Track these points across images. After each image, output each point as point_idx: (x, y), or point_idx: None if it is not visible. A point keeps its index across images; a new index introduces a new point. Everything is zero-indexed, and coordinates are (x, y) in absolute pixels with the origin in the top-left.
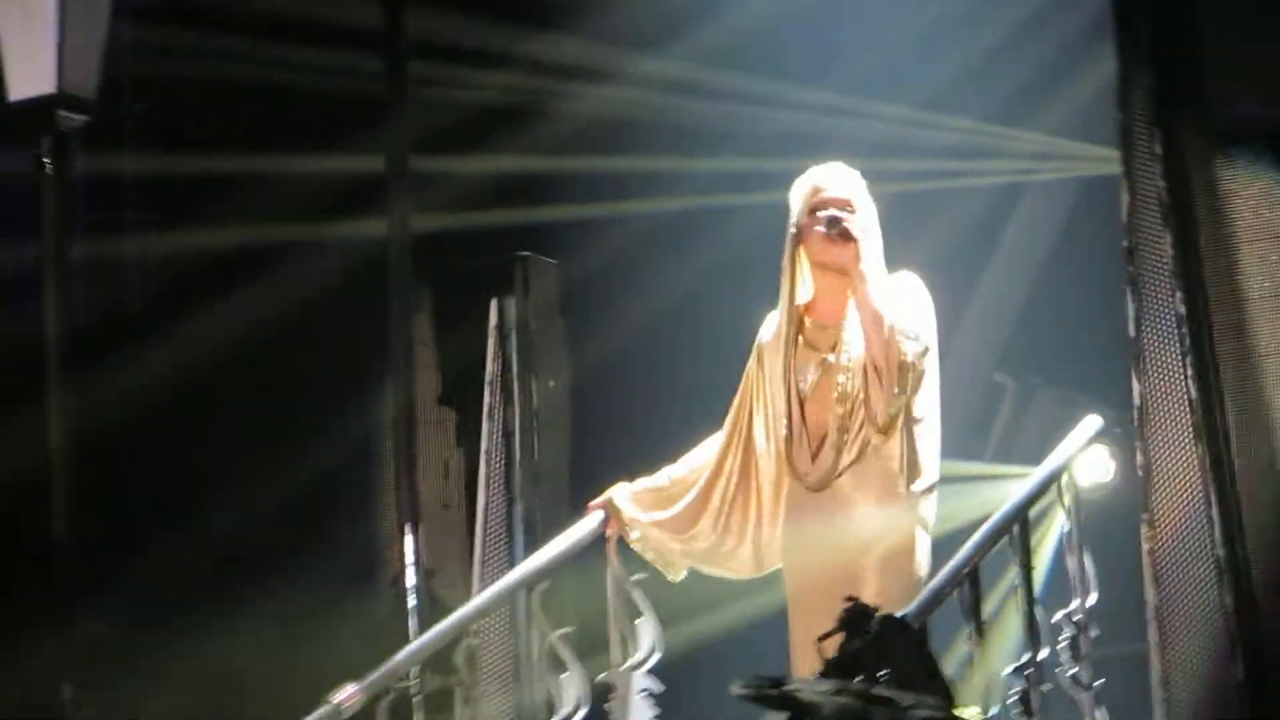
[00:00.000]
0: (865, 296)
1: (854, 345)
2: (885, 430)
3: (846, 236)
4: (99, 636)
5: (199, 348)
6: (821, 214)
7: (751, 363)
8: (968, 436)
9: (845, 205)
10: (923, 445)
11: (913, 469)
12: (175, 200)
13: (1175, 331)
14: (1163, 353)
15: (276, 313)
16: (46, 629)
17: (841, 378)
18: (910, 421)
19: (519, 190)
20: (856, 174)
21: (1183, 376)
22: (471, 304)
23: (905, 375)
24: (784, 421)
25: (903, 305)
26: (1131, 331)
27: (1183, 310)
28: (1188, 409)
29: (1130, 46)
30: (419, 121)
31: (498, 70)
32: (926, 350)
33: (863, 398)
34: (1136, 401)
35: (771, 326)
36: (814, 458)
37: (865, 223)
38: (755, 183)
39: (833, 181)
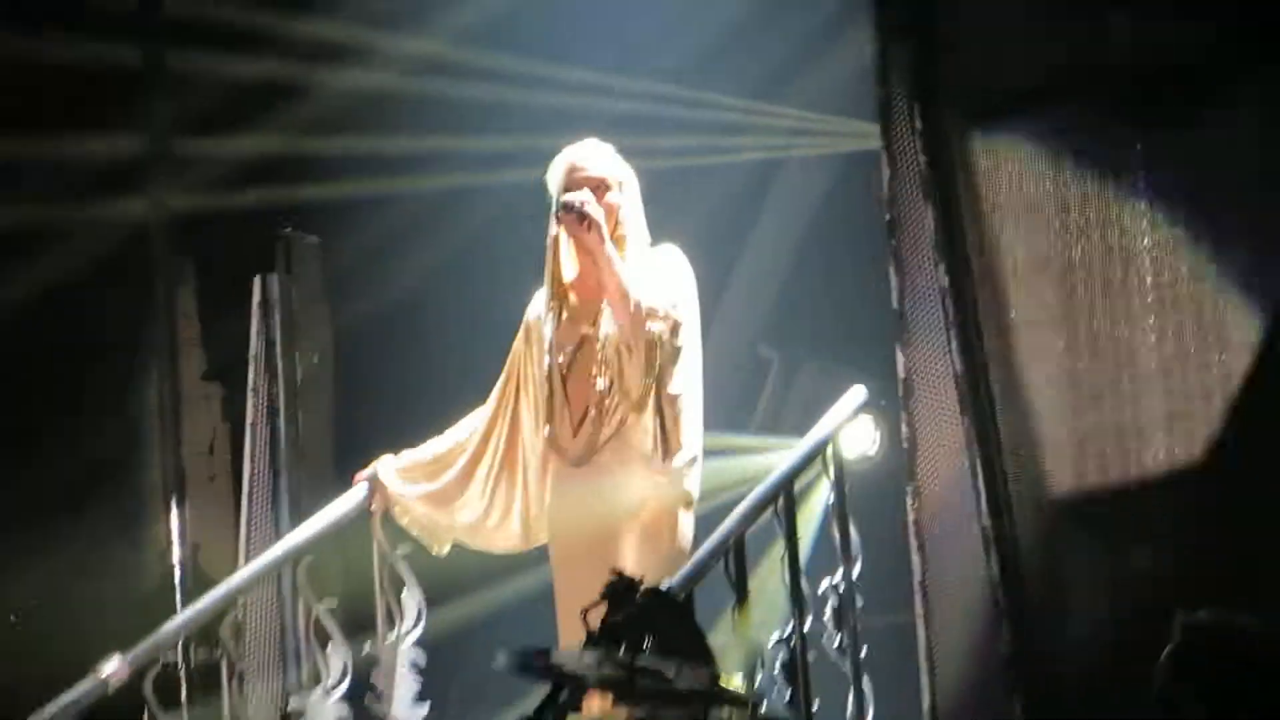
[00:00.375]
0: (609, 276)
1: (611, 320)
2: (637, 407)
3: (582, 218)
4: None
5: None
6: (566, 196)
7: (519, 339)
8: (733, 409)
9: (599, 184)
10: (682, 420)
11: (668, 445)
12: None
13: (939, 304)
14: (926, 325)
15: (39, 289)
16: None
17: (599, 352)
18: (664, 399)
19: (282, 168)
20: (610, 150)
21: (947, 349)
22: (237, 280)
23: (653, 353)
24: (545, 397)
25: (657, 281)
26: (895, 304)
27: (945, 283)
28: (952, 381)
29: (888, 20)
30: (177, 101)
31: (257, 50)
32: (678, 326)
33: (618, 372)
34: (901, 374)
35: (538, 304)
36: (575, 433)
37: (618, 199)
38: (516, 160)
39: (586, 160)
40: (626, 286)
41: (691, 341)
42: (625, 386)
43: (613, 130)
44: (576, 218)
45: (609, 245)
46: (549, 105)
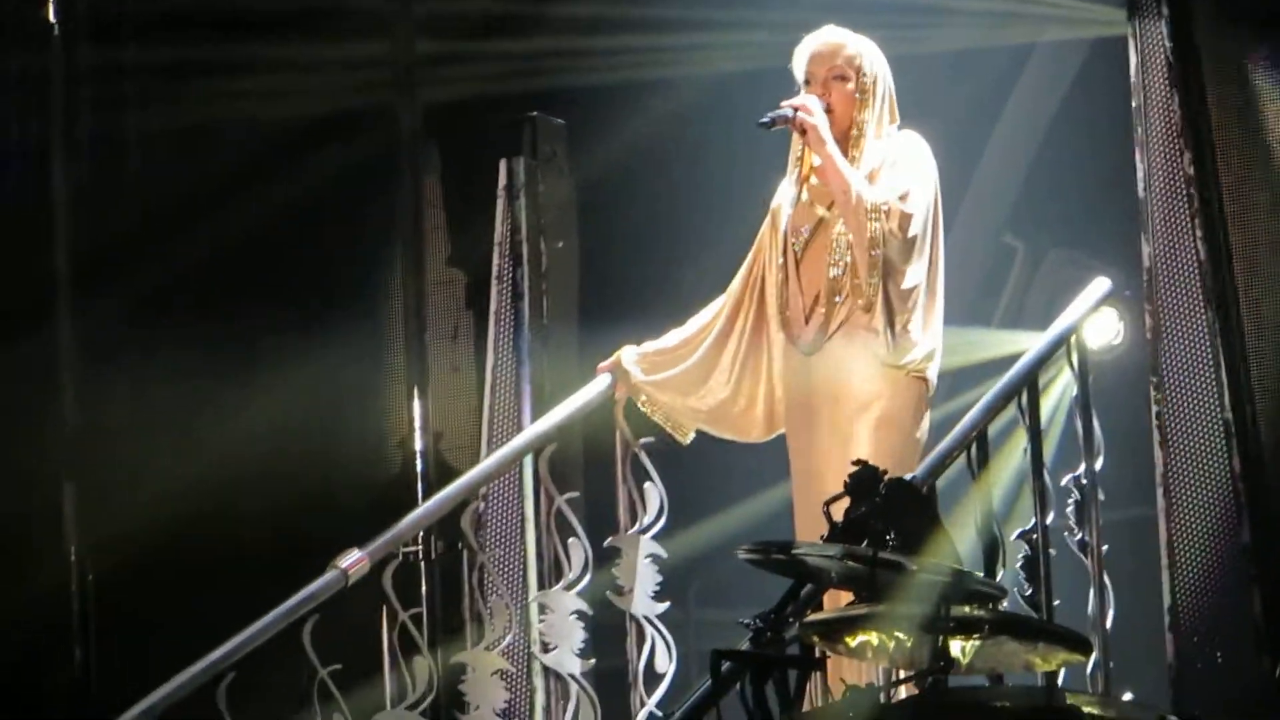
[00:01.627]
0: (832, 174)
1: None
2: (866, 306)
3: (799, 129)
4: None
5: (202, 209)
6: (783, 104)
7: (766, 225)
8: (978, 298)
9: (837, 73)
10: (917, 313)
11: (900, 342)
12: (177, 66)
13: (1184, 192)
14: (1172, 214)
15: (282, 174)
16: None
17: (836, 236)
18: (895, 294)
19: (530, 50)
20: (849, 36)
21: (1192, 238)
22: (483, 166)
23: (876, 251)
24: (780, 281)
25: (891, 173)
26: (1140, 193)
27: (1191, 171)
28: (1196, 271)
29: None
30: None
31: None
32: (908, 219)
33: (850, 264)
34: (1145, 264)
35: (784, 189)
36: (806, 319)
37: (854, 88)
38: (767, 45)
39: (823, 49)
40: (849, 183)
41: (928, 233)
42: (855, 281)
43: (858, 13)
44: (795, 127)
45: (830, 145)
46: None
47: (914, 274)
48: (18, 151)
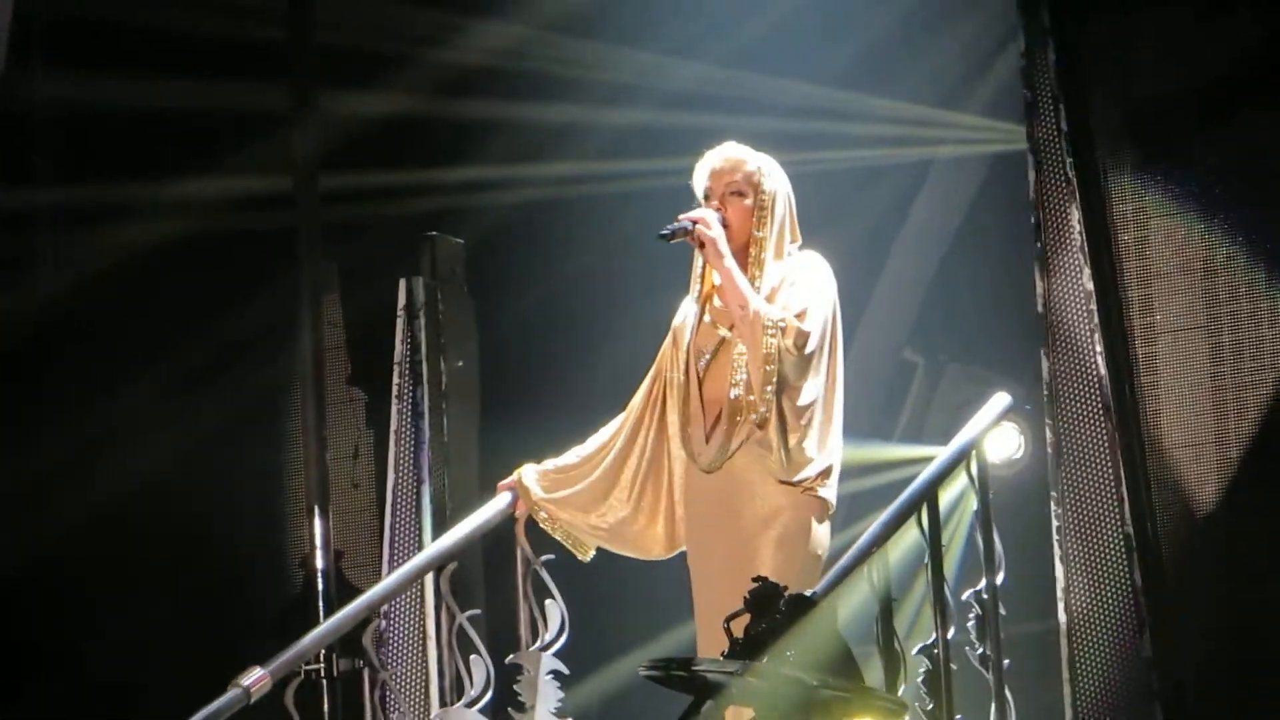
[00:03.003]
0: (728, 289)
1: None
2: (761, 422)
3: (697, 243)
4: None
5: (104, 330)
6: (681, 217)
7: (667, 342)
8: (878, 414)
9: (736, 190)
10: (813, 431)
11: (794, 458)
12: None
13: (1084, 308)
14: (1072, 329)
15: (186, 293)
16: None
17: (737, 356)
18: (790, 411)
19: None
20: (749, 153)
21: (1092, 353)
22: (381, 285)
23: (771, 367)
24: (681, 400)
25: (792, 290)
26: (1040, 308)
27: (1091, 287)
28: (1097, 386)
29: (1034, 23)
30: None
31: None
32: (805, 337)
33: (748, 383)
34: (1046, 378)
35: (685, 308)
36: (707, 439)
37: (754, 205)
38: (664, 169)
39: (724, 165)
40: (746, 298)
41: (825, 350)
42: (751, 399)
43: (761, 132)
44: (693, 240)
45: (728, 259)
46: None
47: (810, 390)
48: None
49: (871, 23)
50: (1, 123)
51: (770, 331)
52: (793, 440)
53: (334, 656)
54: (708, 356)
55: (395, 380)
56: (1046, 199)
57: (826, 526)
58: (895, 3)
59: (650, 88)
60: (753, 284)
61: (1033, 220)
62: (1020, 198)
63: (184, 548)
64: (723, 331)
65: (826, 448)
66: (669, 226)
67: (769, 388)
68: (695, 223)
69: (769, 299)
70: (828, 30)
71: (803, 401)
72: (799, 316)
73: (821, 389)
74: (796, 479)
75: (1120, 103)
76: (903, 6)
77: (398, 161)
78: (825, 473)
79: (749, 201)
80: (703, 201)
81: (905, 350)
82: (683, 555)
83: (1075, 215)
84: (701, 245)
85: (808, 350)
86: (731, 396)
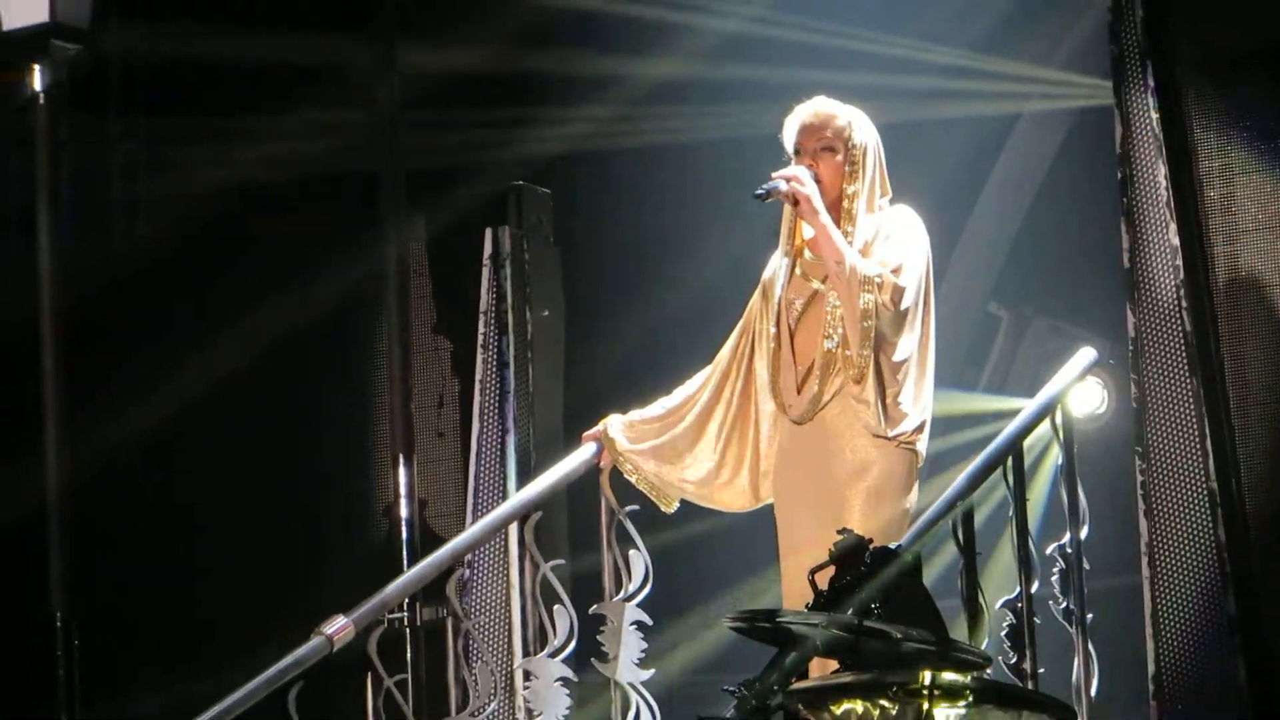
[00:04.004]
0: (824, 246)
1: None
2: (858, 377)
3: (791, 201)
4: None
5: (191, 280)
6: (774, 176)
7: (756, 296)
8: (962, 367)
9: (827, 145)
10: (907, 385)
11: (891, 414)
12: (162, 136)
13: (1170, 263)
14: (1157, 284)
15: (273, 243)
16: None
17: (830, 309)
18: (887, 366)
19: (517, 118)
20: (840, 107)
21: (1177, 308)
22: (469, 234)
23: (869, 323)
24: (772, 352)
25: (885, 245)
26: (1126, 263)
27: (1177, 242)
28: (1182, 341)
29: None
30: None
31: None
32: (900, 292)
33: (844, 337)
34: (1131, 333)
35: (775, 261)
36: (799, 390)
37: (845, 160)
38: (753, 117)
39: (814, 120)
40: (843, 255)
41: (920, 306)
42: (847, 353)
43: (849, 82)
44: (786, 198)
45: (823, 215)
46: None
47: (905, 346)
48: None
49: None
50: (86, 74)
51: (867, 287)
52: (889, 395)
53: (418, 605)
54: (799, 309)
55: (480, 330)
56: (1133, 154)
57: (915, 480)
58: None
59: (744, 40)
60: (845, 239)
61: (1119, 175)
62: (1104, 153)
63: (269, 495)
64: (815, 284)
65: (921, 402)
66: (763, 186)
67: (867, 343)
68: (788, 180)
69: (863, 253)
70: None
71: (899, 357)
72: (895, 272)
73: (916, 344)
74: (894, 433)
75: (1208, 59)
76: None
77: (484, 110)
78: (920, 427)
79: (840, 157)
80: (793, 157)
81: (990, 304)
82: (768, 508)
83: (1162, 171)
84: (796, 203)
85: (903, 306)
86: (825, 349)
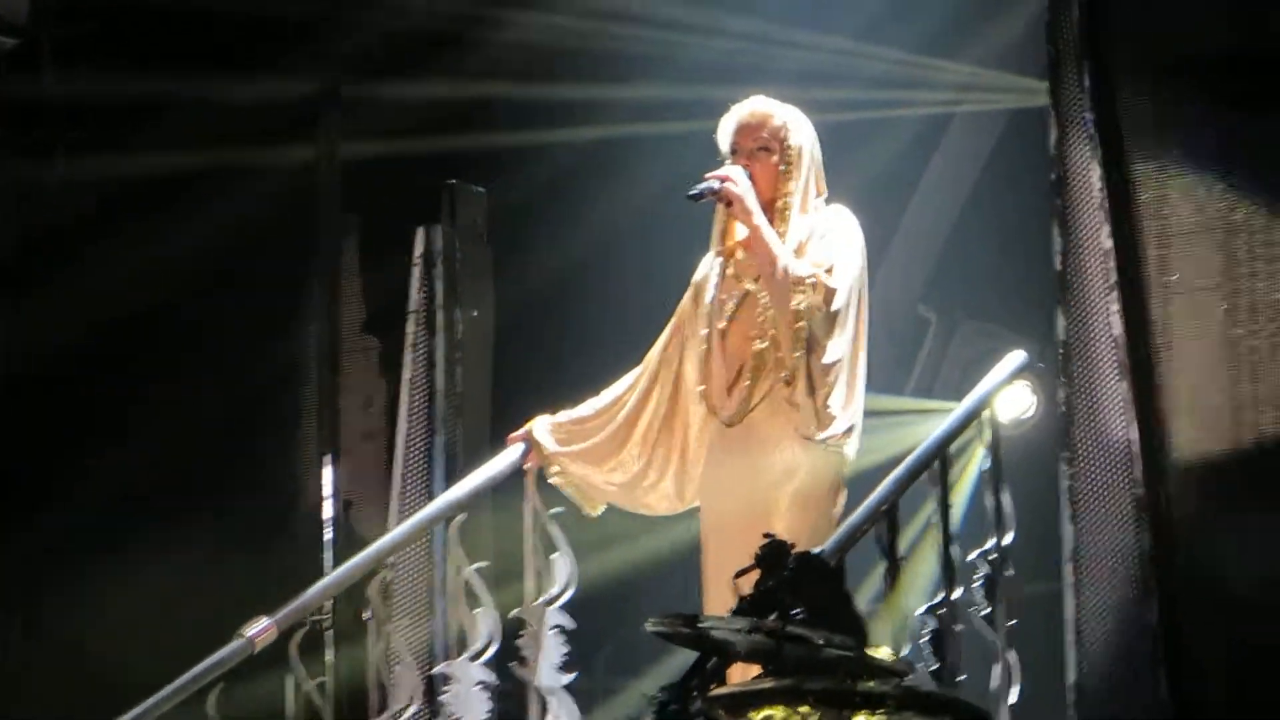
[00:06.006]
0: (758, 246)
1: None
2: (789, 381)
3: (725, 201)
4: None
5: (122, 273)
6: (707, 177)
7: (687, 298)
8: (891, 369)
9: (763, 145)
10: (838, 389)
11: (821, 417)
12: (98, 124)
13: (1101, 266)
14: (1088, 287)
15: (200, 239)
16: None
17: (762, 310)
18: (817, 369)
19: (447, 117)
20: (776, 107)
21: (1109, 312)
22: (400, 232)
23: (800, 325)
24: (703, 353)
25: (820, 245)
26: (1057, 265)
27: (1109, 244)
28: (1112, 345)
29: None
30: (349, 46)
31: None
32: (833, 293)
33: (774, 339)
34: (1061, 336)
35: (707, 263)
36: (729, 391)
37: (781, 160)
38: (684, 113)
39: (750, 120)
40: (776, 255)
41: (852, 308)
42: (779, 355)
43: (782, 83)
44: (719, 199)
45: (758, 216)
46: (722, 57)
47: (836, 348)
48: None
49: None
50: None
51: (799, 288)
52: (820, 397)
53: (340, 606)
54: (731, 309)
55: (410, 329)
56: (1067, 156)
57: (843, 484)
58: None
59: (679, 40)
60: (780, 239)
61: (1053, 176)
62: (1038, 154)
63: (194, 494)
64: (748, 284)
65: (851, 405)
66: (696, 187)
67: (798, 345)
68: (722, 181)
69: (797, 253)
70: None
71: (829, 359)
72: (828, 272)
73: (848, 346)
74: (822, 436)
75: (1144, 62)
76: None
77: (420, 110)
78: (849, 430)
79: (776, 157)
80: (728, 157)
81: (919, 305)
82: (692, 511)
83: (1096, 172)
84: (729, 203)
85: (835, 307)
86: (755, 349)
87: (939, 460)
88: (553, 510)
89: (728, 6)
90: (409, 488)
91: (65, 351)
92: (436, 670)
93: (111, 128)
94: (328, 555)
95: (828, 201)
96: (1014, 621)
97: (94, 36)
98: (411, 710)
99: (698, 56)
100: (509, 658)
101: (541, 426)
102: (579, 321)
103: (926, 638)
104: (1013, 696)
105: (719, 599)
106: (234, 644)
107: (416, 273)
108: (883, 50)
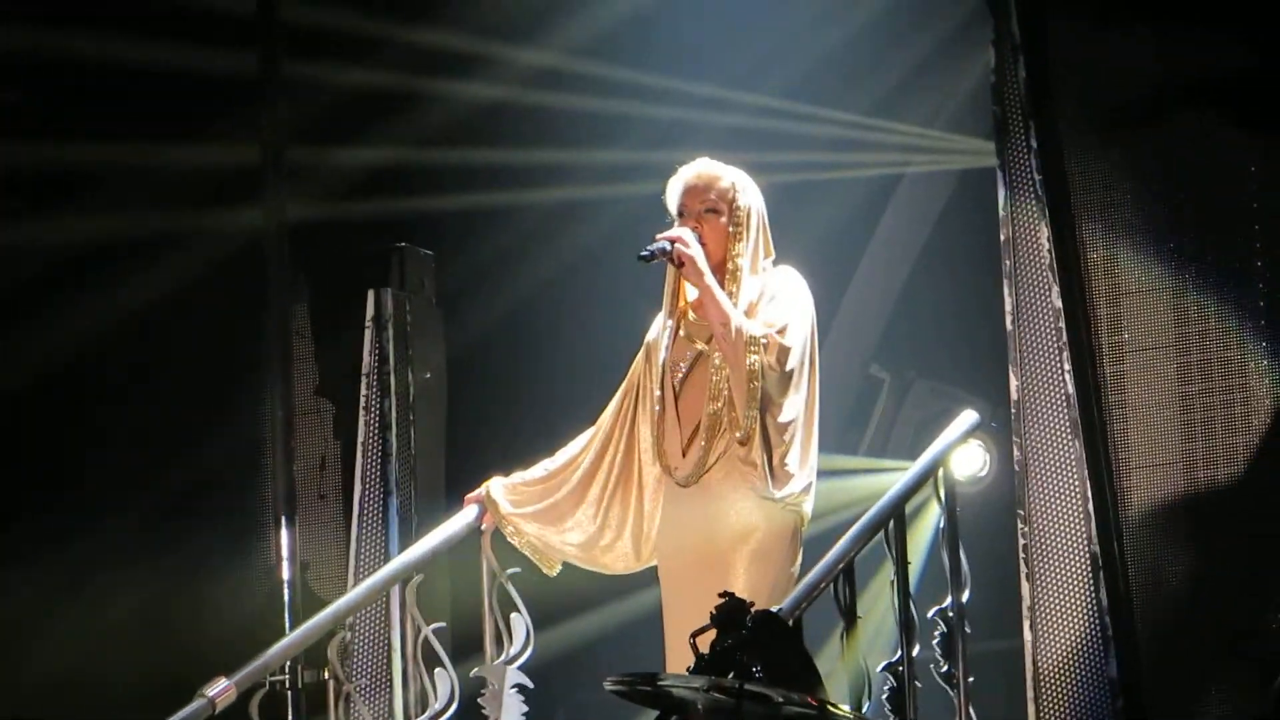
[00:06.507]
0: (709, 306)
1: None
2: (745, 441)
3: (676, 262)
4: None
5: (68, 339)
6: (658, 238)
7: (639, 358)
8: (844, 429)
9: (711, 206)
10: (794, 447)
11: (778, 475)
12: (42, 189)
13: (1053, 325)
14: (1040, 347)
15: (151, 303)
16: None
17: (715, 370)
18: (773, 427)
19: (394, 181)
20: (723, 169)
21: (1060, 371)
22: (350, 295)
23: (755, 384)
24: (656, 414)
25: (770, 305)
26: (1009, 325)
27: (1060, 304)
28: (1065, 404)
29: (1004, 39)
30: (293, 110)
31: (373, 59)
32: (786, 352)
33: (728, 399)
34: (1013, 396)
35: (659, 323)
36: (684, 452)
37: (729, 221)
38: (634, 174)
39: (698, 181)
40: (728, 315)
41: (805, 366)
42: (733, 415)
43: (730, 145)
44: (671, 259)
45: (708, 277)
46: (667, 119)
47: (791, 407)
48: None
49: (840, 35)
50: None
51: (753, 348)
52: (776, 456)
53: (299, 668)
54: (684, 371)
55: (363, 392)
56: (1016, 216)
57: (800, 543)
58: (863, 15)
59: (628, 105)
60: (731, 300)
61: (1001, 237)
62: (988, 214)
63: (152, 556)
64: (700, 345)
65: (808, 464)
66: (648, 248)
67: (753, 404)
68: (673, 242)
69: (747, 314)
70: (795, 42)
71: (784, 418)
72: (780, 332)
73: (802, 405)
74: (781, 494)
75: (1089, 121)
76: (870, 19)
77: (367, 173)
78: (806, 488)
79: (724, 219)
80: (676, 218)
81: (872, 365)
82: (652, 569)
83: (1045, 233)
84: (680, 264)
85: (789, 366)
86: (711, 411)
87: (895, 518)
88: (510, 570)
89: (672, 70)
90: (365, 549)
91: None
92: None
93: (53, 194)
94: (286, 616)
95: (775, 263)
96: (972, 678)
97: (31, 102)
98: None
99: (644, 119)
100: (470, 717)
101: (497, 487)
102: (530, 381)
103: (886, 694)
104: None
105: (679, 657)
106: (194, 704)
107: (368, 335)
108: (832, 112)
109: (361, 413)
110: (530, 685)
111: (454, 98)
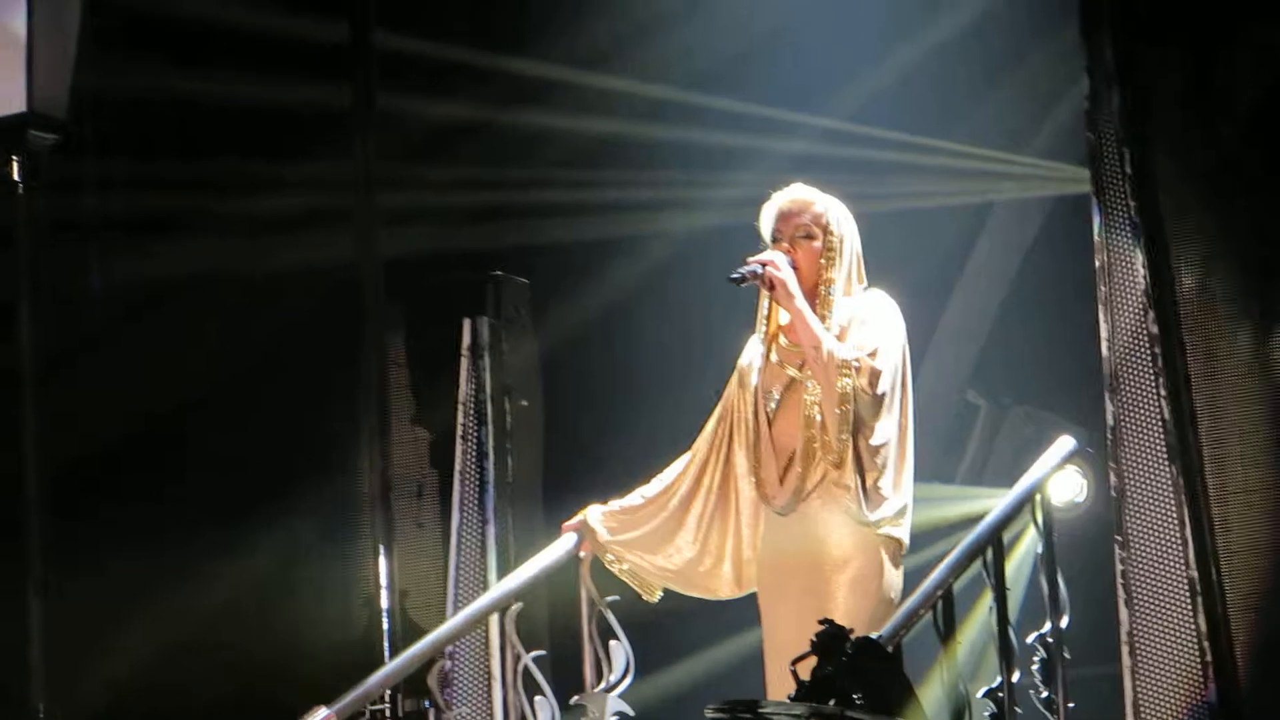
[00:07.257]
0: (801, 330)
1: None
2: (838, 463)
3: (767, 285)
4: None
5: (166, 369)
6: (750, 260)
7: (733, 383)
8: (940, 456)
9: (804, 231)
10: (888, 470)
11: (871, 499)
12: (140, 222)
13: (1148, 351)
14: (1135, 372)
15: (246, 334)
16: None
17: (808, 397)
18: (865, 450)
19: (489, 209)
20: (817, 195)
21: (1156, 397)
22: (444, 323)
23: (846, 408)
24: (751, 441)
25: (861, 330)
26: (1104, 351)
27: (1155, 330)
28: (1161, 429)
29: (1098, 67)
30: (389, 142)
31: (470, 89)
32: (878, 376)
33: (821, 424)
34: (1110, 422)
35: (752, 348)
36: (781, 480)
37: (822, 246)
38: (734, 203)
39: (791, 207)
40: (819, 339)
41: (898, 390)
42: (826, 440)
43: (829, 174)
44: (763, 283)
45: (799, 300)
46: (769, 149)
47: (884, 430)
48: None
49: (935, 65)
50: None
51: (845, 372)
52: (869, 480)
53: (399, 697)
54: (777, 397)
55: (460, 420)
56: (1110, 242)
57: (899, 568)
58: (959, 45)
59: (728, 133)
60: (823, 323)
61: (1096, 263)
62: (1081, 240)
63: (253, 587)
64: (791, 371)
65: (902, 487)
66: (739, 270)
67: (845, 428)
68: (765, 265)
69: (839, 338)
70: (891, 73)
71: (877, 441)
72: (871, 356)
73: (895, 428)
74: (874, 517)
75: (1184, 146)
76: (967, 49)
77: (465, 201)
78: (901, 512)
79: (817, 243)
80: (770, 243)
81: (968, 392)
82: (751, 596)
83: (1139, 259)
84: (772, 287)
85: (880, 390)
86: (804, 438)
87: (993, 544)
88: (609, 597)
89: (778, 101)
90: (464, 577)
91: (111, 450)
92: None
93: (152, 227)
94: (386, 645)
95: (866, 289)
96: (1073, 704)
97: (129, 134)
98: None
99: (744, 148)
100: None
101: (595, 515)
102: (627, 407)
103: None
104: None
105: (780, 684)
106: None
107: (464, 364)
108: (928, 140)
109: (459, 441)
110: (631, 713)
111: (545, 126)
